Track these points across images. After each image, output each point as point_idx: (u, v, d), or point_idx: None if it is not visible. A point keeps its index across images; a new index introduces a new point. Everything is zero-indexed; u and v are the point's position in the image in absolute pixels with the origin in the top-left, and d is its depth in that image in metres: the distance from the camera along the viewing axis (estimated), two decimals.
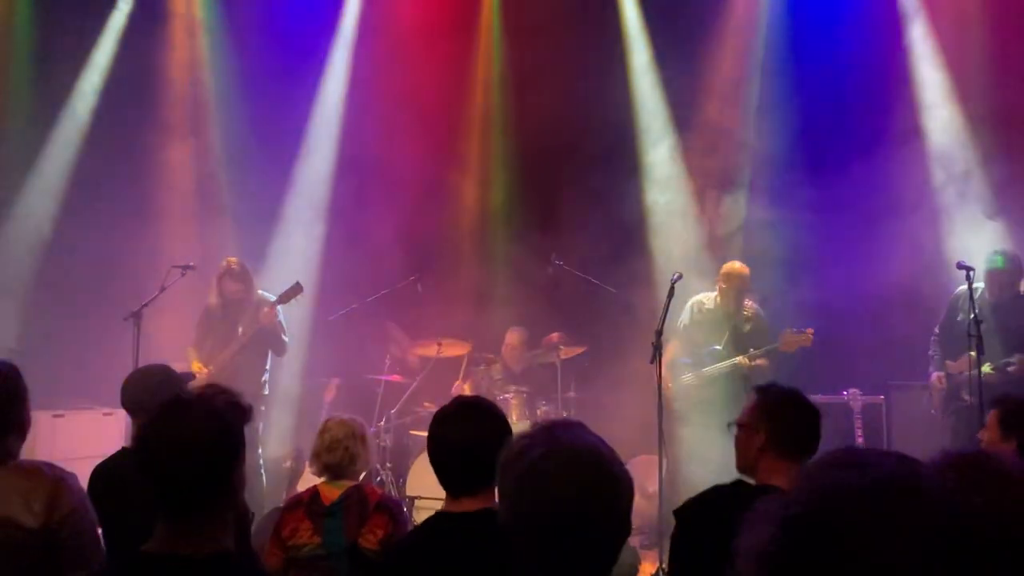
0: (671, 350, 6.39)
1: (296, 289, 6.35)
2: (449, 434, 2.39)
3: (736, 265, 6.40)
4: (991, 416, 3.40)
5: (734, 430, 2.78)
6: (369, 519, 3.43)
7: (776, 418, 2.69)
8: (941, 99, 7.01)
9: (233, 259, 6.49)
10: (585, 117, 7.64)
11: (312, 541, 3.45)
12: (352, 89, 8.17)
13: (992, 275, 5.76)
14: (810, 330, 6.05)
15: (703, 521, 2.55)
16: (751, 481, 2.71)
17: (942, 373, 5.92)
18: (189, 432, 1.90)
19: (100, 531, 3.05)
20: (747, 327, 6.35)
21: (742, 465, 2.76)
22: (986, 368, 5.37)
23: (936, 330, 6.09)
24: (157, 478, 1.91)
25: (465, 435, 2.35)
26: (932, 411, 6.01)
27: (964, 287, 5.81)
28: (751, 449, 2.70)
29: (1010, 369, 5.53)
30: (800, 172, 6.79)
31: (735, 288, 6.32)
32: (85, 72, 7.81)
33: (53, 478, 2.48)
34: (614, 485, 1.55)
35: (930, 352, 6.10)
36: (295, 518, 3.51)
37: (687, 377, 6.45)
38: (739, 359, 6.21)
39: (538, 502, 1.51)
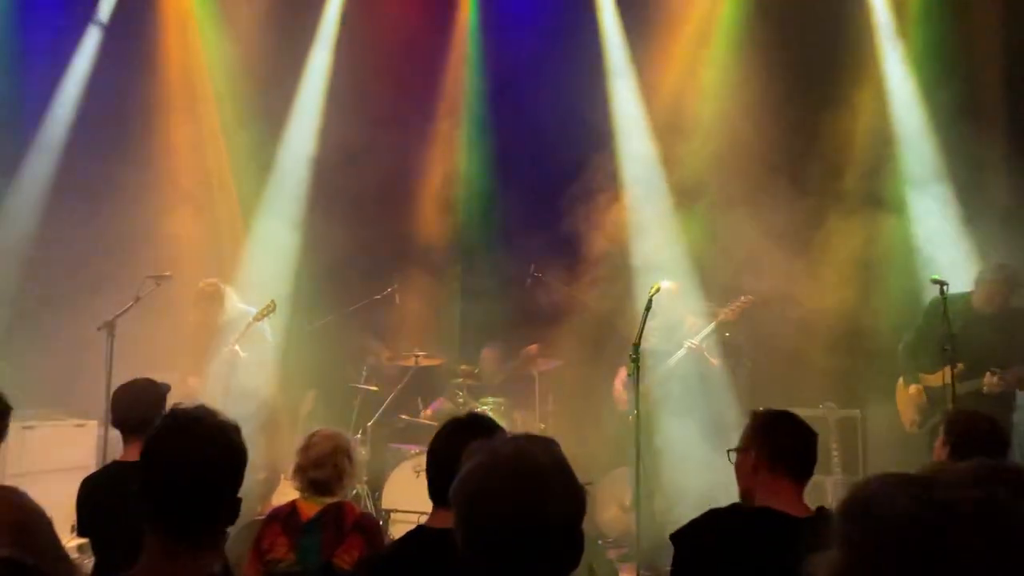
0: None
1: (269, 308, 6.53)
2: (441, 447, 2.42)
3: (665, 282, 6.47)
4: (944, 424, 3.55)
5: (733, 456, 2.78)
6: (345, 539, 3.36)
7: (766, 434, 2.72)
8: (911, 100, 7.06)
9: (203, 282, 6.64)
10: (564, 124, 7.60)
11: (287, 557, 3.38)
12: (330, 96, 8.12)
13: (984, 285, 5.65)
14: (746, 296, 6.22)
15: (702, 546, 2.56)
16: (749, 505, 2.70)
17: (920, 386, 5.81)
18: (197, 451, 1.87)
19: (90, 543, 2.99)
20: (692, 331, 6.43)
21: (742, 489, 2.75)
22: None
23: (909, 338, 5.95)
24: (159, 496, 1.86)
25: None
26: (908, 428, 5.88)
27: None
28: (746, 469, 2.71)
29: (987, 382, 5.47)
30: (776, 180, 6.77)
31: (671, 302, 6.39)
32: (63, 80, 7.77)
33: None
34: (561, 500, 1.55)
35: (902, 361, 5.98)
36: (272, 532, 3.45)
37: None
38: (687, 344, 6.28)
39: (488, 518, 1.53)
